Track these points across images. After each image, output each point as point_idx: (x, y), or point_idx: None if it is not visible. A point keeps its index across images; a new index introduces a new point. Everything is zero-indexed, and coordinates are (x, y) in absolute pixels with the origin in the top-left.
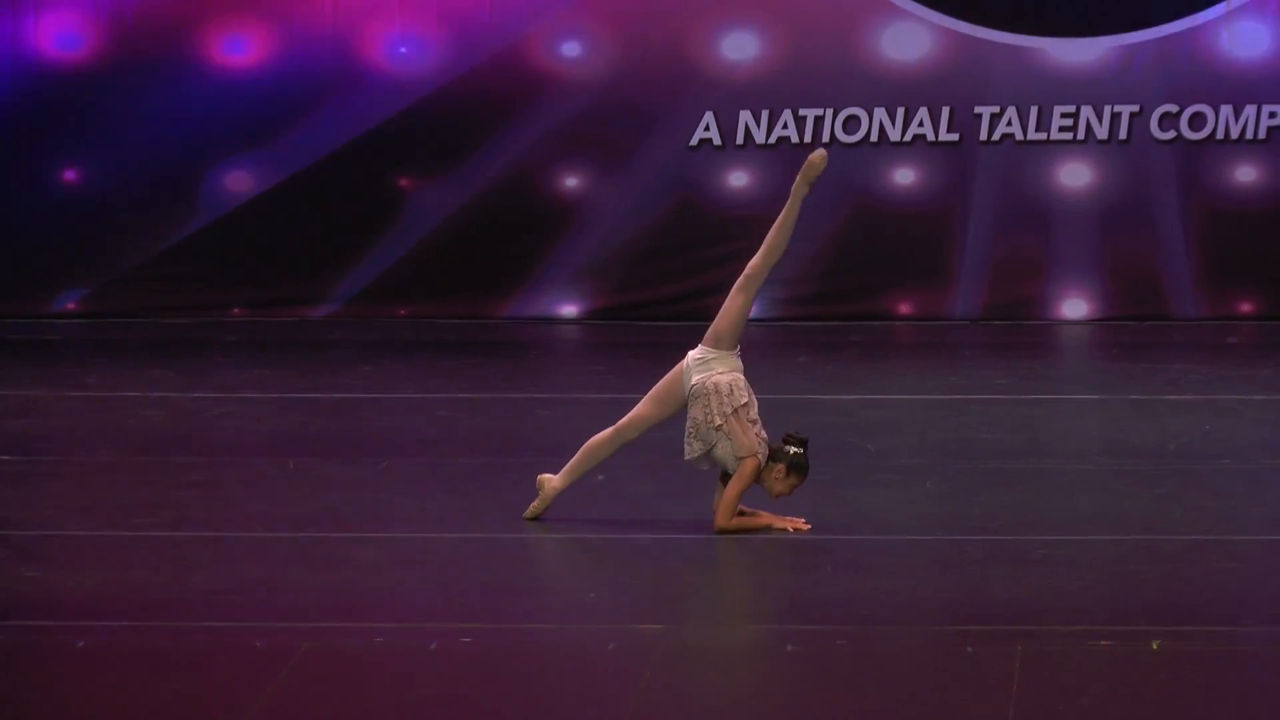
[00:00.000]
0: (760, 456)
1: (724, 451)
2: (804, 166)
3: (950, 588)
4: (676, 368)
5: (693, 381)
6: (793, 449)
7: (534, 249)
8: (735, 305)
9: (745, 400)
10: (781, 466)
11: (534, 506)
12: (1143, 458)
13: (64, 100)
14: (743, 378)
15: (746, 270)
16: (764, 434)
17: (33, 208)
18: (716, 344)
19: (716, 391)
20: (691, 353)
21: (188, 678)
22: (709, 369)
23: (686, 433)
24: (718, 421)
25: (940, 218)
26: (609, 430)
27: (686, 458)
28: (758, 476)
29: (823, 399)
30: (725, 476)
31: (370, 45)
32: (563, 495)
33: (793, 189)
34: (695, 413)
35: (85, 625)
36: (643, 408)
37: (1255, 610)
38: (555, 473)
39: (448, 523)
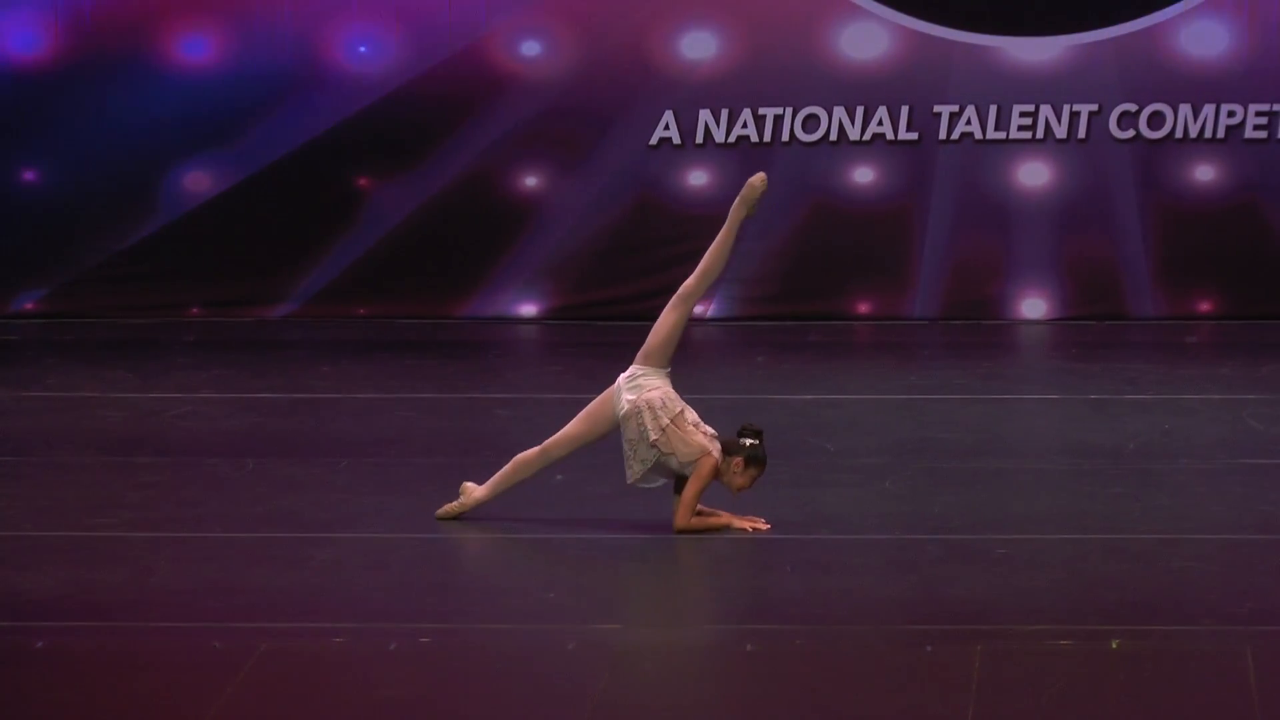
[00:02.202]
0: (715, 454)
1: (676, 463)
2: (744, 190)
3: (909, 587)
4: (609, 389)
5: (625, 403)
6: (748, 441)
7: (493, 248)
8: (667, 323)
9: (680, 409)
10: (739, 460)
11: (450, 507)
12: (1101, 457)
13: (22, 100)
14: (673, 390)
15: (680, 290)
16: (711, 430)
17: None
18: (645, 361)
19: (649, 407)
20: (622, 375)
21: (146, 678)
22: (639, 387)
23: (625, 455)
24: (653, 436)
25: (899, 217)
26: (536, 448)
27: (629, 481)
28: (716, 474)
29: (781, 399)
30: (681, 481)
31: (329, 45)
32: (522, 495)
33: (731, 211)
34: (630, 433)
35: (44, 626)
36: (573, 426)
37: (1214, 609)
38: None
39: (407, 523)
